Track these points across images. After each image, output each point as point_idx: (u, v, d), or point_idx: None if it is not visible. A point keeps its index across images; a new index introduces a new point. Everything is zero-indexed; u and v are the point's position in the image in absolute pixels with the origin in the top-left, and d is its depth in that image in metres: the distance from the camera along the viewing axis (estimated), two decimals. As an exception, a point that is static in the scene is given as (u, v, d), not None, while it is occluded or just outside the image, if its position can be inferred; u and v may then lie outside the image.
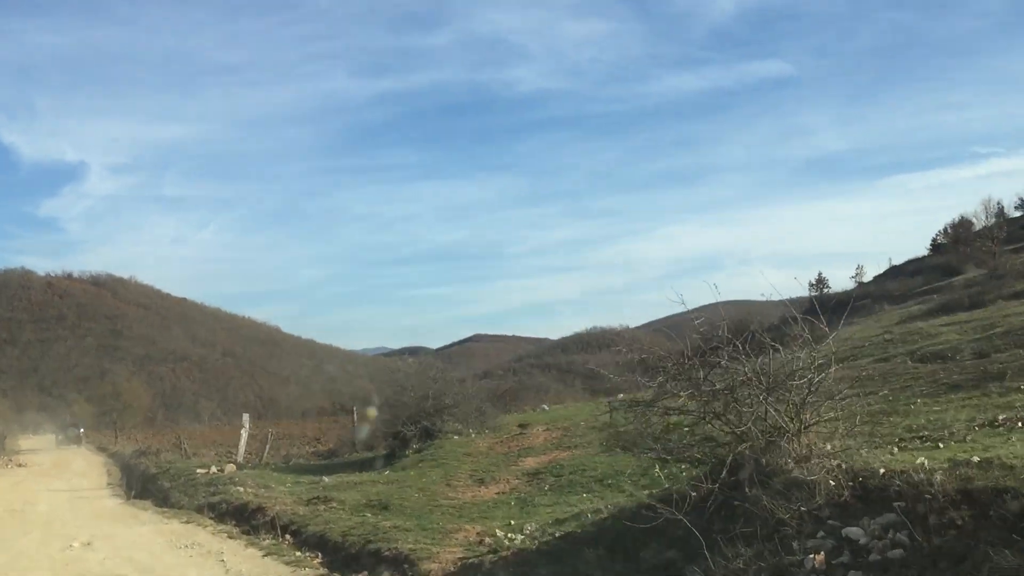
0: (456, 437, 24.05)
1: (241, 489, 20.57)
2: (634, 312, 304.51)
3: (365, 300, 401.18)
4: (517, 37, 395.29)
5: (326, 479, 21.35)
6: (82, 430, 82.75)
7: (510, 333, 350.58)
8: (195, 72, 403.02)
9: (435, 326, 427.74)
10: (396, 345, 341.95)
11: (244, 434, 25.75)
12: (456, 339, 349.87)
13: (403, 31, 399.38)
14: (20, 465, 46.87)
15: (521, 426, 25.39)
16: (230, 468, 23.78)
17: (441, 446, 22.98)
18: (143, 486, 28.23)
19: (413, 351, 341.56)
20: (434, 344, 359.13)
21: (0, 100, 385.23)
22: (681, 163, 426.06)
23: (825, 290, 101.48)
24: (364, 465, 24.62)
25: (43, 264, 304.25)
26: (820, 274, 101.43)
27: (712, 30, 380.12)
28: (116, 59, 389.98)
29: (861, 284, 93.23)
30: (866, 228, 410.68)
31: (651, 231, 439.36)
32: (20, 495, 28.72)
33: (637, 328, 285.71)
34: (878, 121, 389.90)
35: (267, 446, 26.97)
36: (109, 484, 32.43)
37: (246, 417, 26.75)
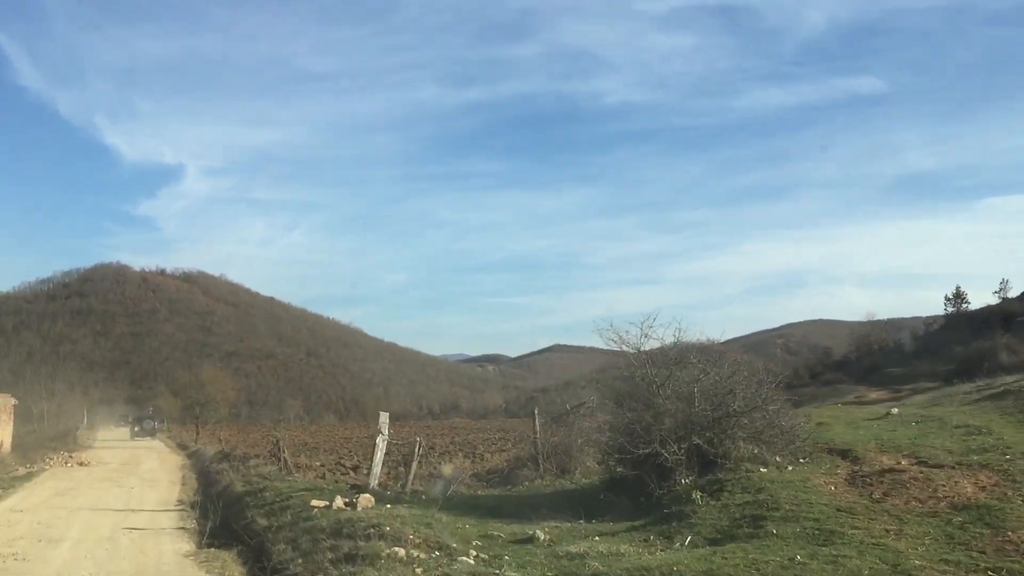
0: (763, 469, 13.49)
1: (402, 553, 10.35)
2: (714, 327, 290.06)
3: (444, 306, 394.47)
4: (603, 49, 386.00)
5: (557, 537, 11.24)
6: (156, 423, 77.08)
7: (589, 345, 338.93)
8: (289, 79, 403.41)
9: (513, 335, 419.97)
10: (474, 352, 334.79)
11: (382, 444, 15.45)
12: (535, 349, 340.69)
13: (490, 42, 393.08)
14: (82, 464, 37.73)
15: (841, 453, 14.73)
16: (365, 500, 13.49)
17: (748, 485, 12.44)
18: (226, 513, 18.26)
19: (491, 359, 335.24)
20: (512, 353, 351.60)
21: (105, 103, 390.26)
22: (766, 178, 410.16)
23: (964, 306, 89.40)
24: (586, 504, 14.25)
25: (138, 261, 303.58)
26: (959, 288, 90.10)
27: (802, 45, 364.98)
28: (214, 65, 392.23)
29: (1006, 300, 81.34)
30: (959, 249, 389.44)
31: (733, 246, 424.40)
32: (50, 517, 19.10)
33: (722, 344, 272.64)
34: (973, 140, 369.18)
35: (414, 463, 16.57)
36: (179, 505, 22.62)
37: (384, 419, 16.43)
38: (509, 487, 17.98)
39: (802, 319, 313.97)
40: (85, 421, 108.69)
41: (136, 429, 73.08)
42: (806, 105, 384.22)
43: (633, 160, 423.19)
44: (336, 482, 19.38)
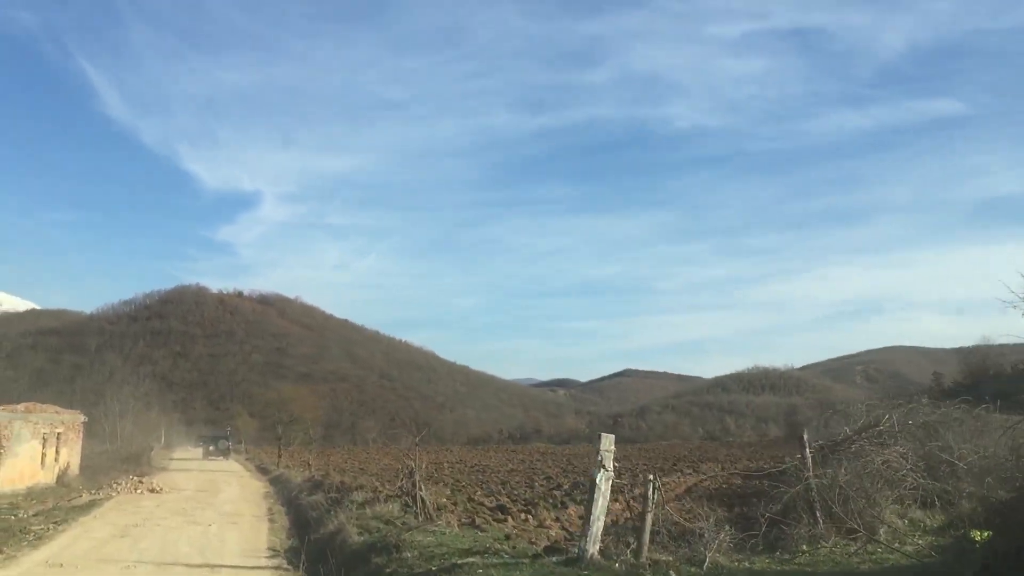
0: None
1: None
2: (788, 354, 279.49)
3: (514, 330, 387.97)
4: (674, 74, 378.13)
5: None
6: (230, 443, 72.79)
7: (660, 369, 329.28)
8: (362, 107, 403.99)
9: (583, 360, 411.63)
10: (543, 377, 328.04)
11: (605, 486, 8.83)
12: (605, 373, 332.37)
13: (561, 68, 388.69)
14: (153, 491, 31.99)
15: None
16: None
17: None
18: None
19: (562, 383, 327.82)
20: (583, 377, 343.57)
21: (188, 131, 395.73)
22: (841, 203, 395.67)
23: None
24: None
25: (216, 284, 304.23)
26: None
27: (879, 68, 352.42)
28: (290, 94, 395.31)
29: None
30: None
31: (807, 271, 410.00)
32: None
33: (800, 370, 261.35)
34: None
35: (649, 515, 9.94)
36: (271, 554, 16.37)
37: (608, 444, 9.67)
38: (781, 553, 11.31)
39: (881, 346, 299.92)
40: (163, 441, 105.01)
41: (211, 449, 69.08)
42: (883, 128, 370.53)
43: (704, 185, 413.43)
44: (507, 538, 12.92)
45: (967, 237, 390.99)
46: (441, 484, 32.09)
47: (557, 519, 18.84)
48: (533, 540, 14.09)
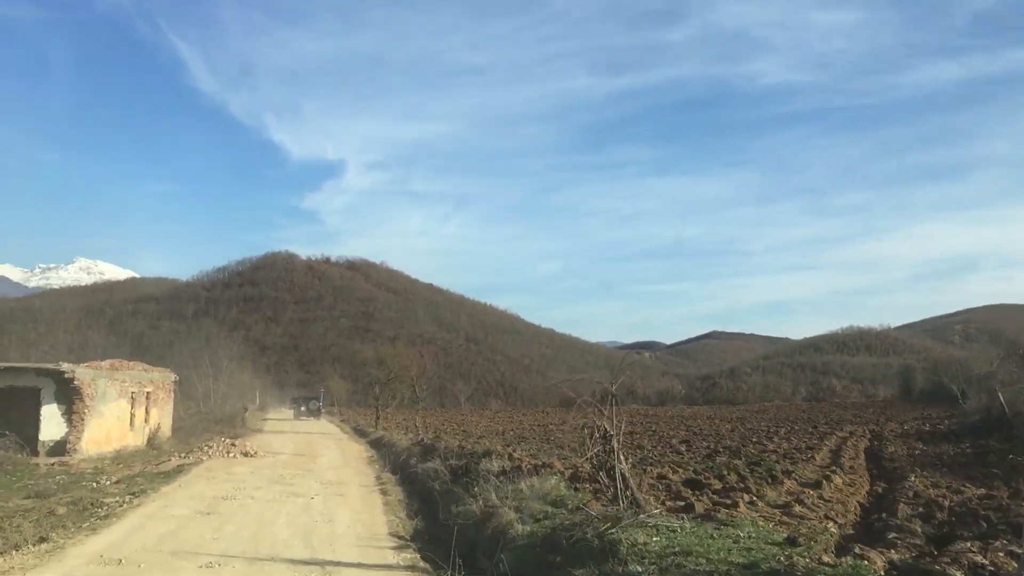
0: None
1: None
2: (880, 314, 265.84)
3: (596, 294, 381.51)
4: (760, 30, 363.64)
5: None
6: (320, 404, 72.46)
7: (747, 331, 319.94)
8: (443, 73, 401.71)
9: (667, 322, 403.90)
10: (627, 340, 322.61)
11: None
12: (691, 335, 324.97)
13: (641, 28, 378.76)
14: (247, 454, 28.39)
15: None
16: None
17: None
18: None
19: (646, 346, 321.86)
20: (667, 340, 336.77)
21: (273, 103, 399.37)
22: (935, 158, 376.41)
23: None
24: None
25: (305, 251, 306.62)
26: None
27: (976, 15, 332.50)
28: (372, 63, 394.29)
29: None
30: None
31: (898, 230, 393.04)
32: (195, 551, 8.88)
33: (895, 329, 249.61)
34: None
35: None
36: (396, 543, 12.07)
37: None
38: None
39: (979, 304, 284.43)
40: (257, 403, 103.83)
41: (302, 410, 67.66)
42: (981, 79, 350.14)
43: (790, 144, 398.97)
44: (791, 543, 8.13)
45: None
46: (561, 447, 27.58)
47: (798, 500, 14.14)
48: (808, 537, 9.42)
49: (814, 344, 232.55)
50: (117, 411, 32.48)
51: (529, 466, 15.58)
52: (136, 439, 34.29)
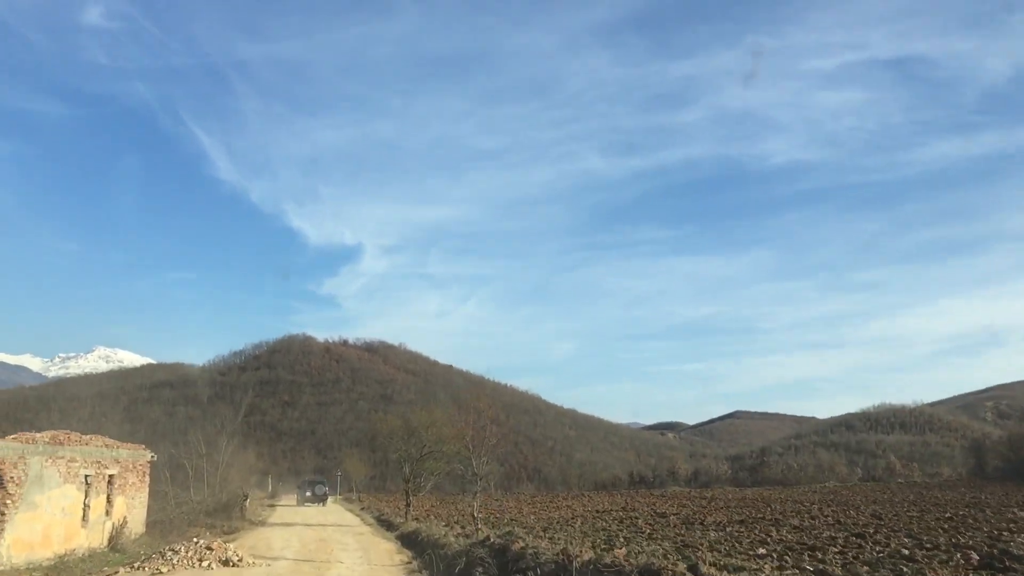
0: None
1: None
2: (905, 391, 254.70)
3: (616, 375, 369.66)
4: (769, 110, 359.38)
5: None
6: (327, 488, 68.79)
7: (771, 410, 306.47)
8: (458, 158, 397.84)
9: (688, 403, 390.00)
10: (648, 421, 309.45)
11: None
12: (713, 416, 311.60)
13: (653, 110, 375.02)
14: (228, 563, 19.00)
15: None
16: None
17: None
18: None
19: (669, 426, 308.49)
20: (690, 420, 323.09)
21: (293, 190, 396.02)
22: (952, 233, 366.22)
23: None
24: None
25: (322, 334, 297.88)
26: None
27: (984, 93, 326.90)
28: (388, 149, 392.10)
29: None
30: None
31: (919, 305, 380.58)
32: None
33: (928, 405, 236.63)
34: None
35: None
36: None
37: None
38: None
39: (1010, 380, 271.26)
40: (270, 489, 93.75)
41: (307, 495, 64.09)
42: (993, 155, 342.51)
43: (805, 221, 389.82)
44: None
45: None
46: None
47: None
48: None
49: (845, 422, 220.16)
50: (62, 501, 23.23)
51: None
52: (92, 539, 24.95)
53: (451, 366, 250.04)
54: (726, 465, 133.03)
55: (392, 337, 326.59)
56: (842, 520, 34.30)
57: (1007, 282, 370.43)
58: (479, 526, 21.37)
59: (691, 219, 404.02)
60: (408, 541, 26.16)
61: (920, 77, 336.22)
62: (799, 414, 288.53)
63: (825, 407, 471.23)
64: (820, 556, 20.05)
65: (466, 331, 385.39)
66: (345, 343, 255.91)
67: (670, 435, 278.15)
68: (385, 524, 36.28)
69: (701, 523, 34.15)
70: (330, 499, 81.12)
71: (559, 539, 21.65)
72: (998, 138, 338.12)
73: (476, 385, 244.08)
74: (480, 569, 15.27)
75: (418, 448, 35.29)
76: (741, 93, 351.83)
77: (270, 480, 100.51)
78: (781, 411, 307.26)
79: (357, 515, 47.54)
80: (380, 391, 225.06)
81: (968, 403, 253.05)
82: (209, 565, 18.57)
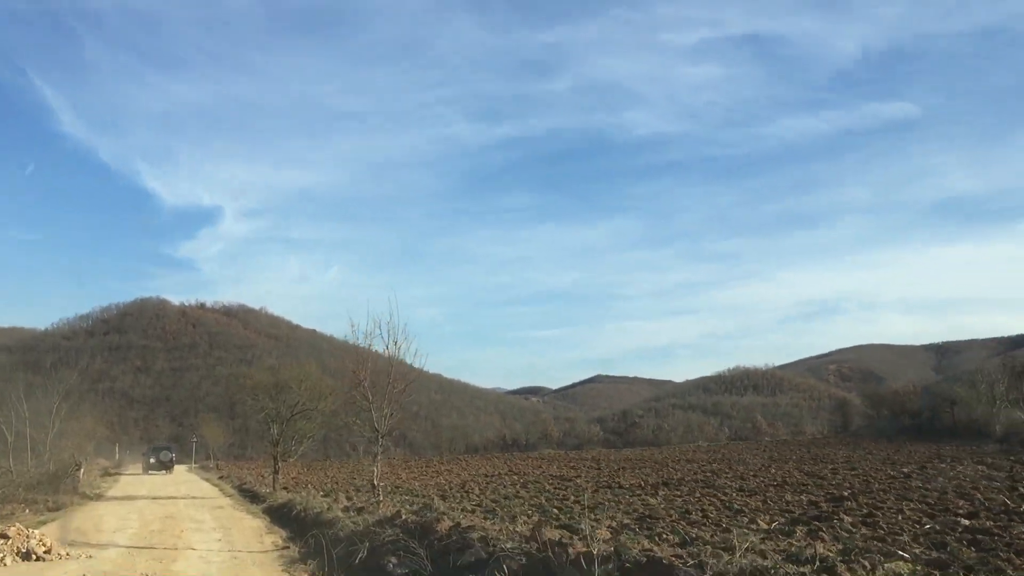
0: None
1: None
2: (755, 355, 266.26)
3: (480, 340, 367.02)
4: (633, 82, 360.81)
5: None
6: (174, 454, 64.33)
7: (630, 375, 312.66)
8: (321, 119, 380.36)
9: (551, 367, 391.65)
10: (511, 386, 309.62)
11: None
12: (576, 380, 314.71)
13: (520, 78, 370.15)
14: (30, 556, 13.52)
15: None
16: None
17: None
18: None
19: (533, 391, 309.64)
20: (553, 385, 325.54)
21: (145, 149, 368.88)
22: (801, 206, 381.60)
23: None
24: None
25: (177, 297, 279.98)
26: None
27: (834, 72, 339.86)
28: (249, 108, 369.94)
29: None
30: (1003, 273, 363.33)
31: (770, 274, 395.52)
32: None
33: (777, 368, 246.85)
34: (1013, 162, 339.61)
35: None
36: None
37: None
38: None
39: (849, 344, 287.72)
40: (117, 457, 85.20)
41: (151, 462, 60.55)
42: (839, 132, 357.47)
43: (666, 191, 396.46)
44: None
45: (924, 237, 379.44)
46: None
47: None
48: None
49: (702, 385, 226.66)
50: None
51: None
52: None
53: (315, 330, 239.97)
54: (598, 427, 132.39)
55: (254, 301, 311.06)
56: (798, 481, 31.54)
57: (848, 254, 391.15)
58: (380, 497, 16.67)
59: (556, 187, 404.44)
60: (279, 517, 21.13)
61: (773, 55, 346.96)
62: (656, 378, 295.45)
63: (681, 371, 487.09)
64: (854, 524, 16.48)
65: (329, 296, 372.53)
66: (202, 306, 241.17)
67: (534, 399, 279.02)
68: (248, 495, 30.79)
69: (619, 486, 30.53)
70: (184, 467, 74.07)
71: (496, 514, 17.33)
72: (843, 116, 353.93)
73: (341, 350, 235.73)
74: (394, 560, 10.64)
75: (289, 406, 29.97)
76: (606, 63, 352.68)
77: (117, 449, 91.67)
78: (640, 375, 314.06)
79: (215, 484, 41.59)
80: (240, 356, 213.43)
81: (812, 366, 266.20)
82: (2, 560, 13.06)
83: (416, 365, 16.22)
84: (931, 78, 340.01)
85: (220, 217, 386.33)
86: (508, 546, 8.44)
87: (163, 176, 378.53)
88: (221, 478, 47.43)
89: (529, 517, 16.35)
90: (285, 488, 30.80)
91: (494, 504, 22.59)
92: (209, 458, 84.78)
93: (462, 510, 18.86)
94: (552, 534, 8.50)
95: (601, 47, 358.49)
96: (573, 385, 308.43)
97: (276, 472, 30.65)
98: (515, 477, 40.91)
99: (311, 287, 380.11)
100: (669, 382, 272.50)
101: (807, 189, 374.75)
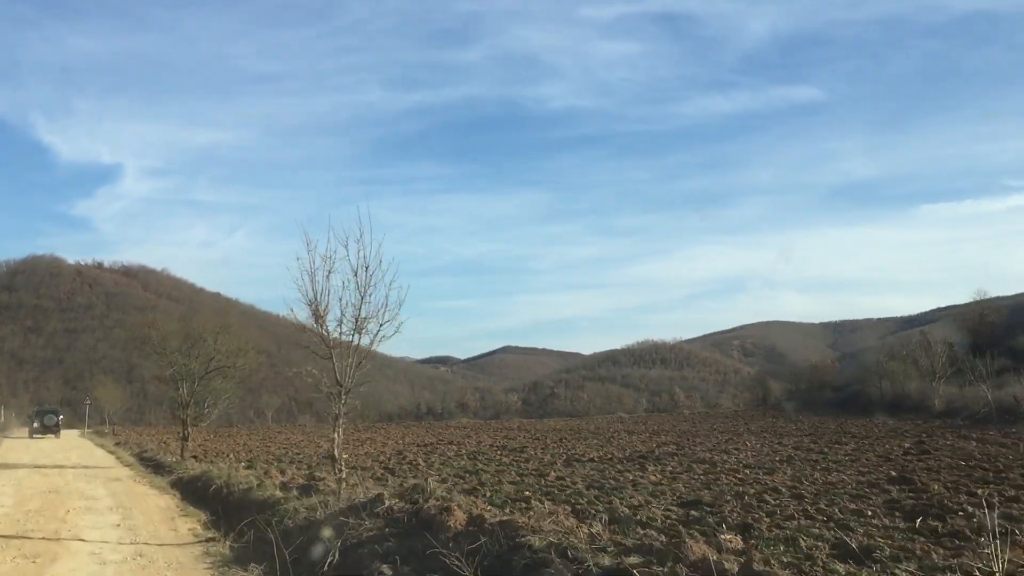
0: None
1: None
2: (659, 331, 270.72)
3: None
4: (549, 55, 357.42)
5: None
6: (60, 417, 62.43)
7: (539, 346, 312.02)
8: (231, 80, 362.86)
9: (459, 338, 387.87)
10: (421, 355, 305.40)
11: None
12: (484, 351, 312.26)
13: (436, 46, 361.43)
14: None
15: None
16: None
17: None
18: None
19: (442, 360, 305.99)
20: (461, 355, 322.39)
21: (40, 101, 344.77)
22: (708, 184, 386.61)
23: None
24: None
25: (73, 256, 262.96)
26: None
27: (744, 54, 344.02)
28: (154, 65, 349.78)
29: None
30: (897, 256, 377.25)
31: (676, 251, 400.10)
32: None
33: (685, 343, 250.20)
34: (910, 149, 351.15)
35: None
36: None
37: None
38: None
39: (752, 321, 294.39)
40: (2, 420, 78.79)
41: (35, 425, 58.38)
42: (748, 113, 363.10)
43: (579, 165, 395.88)
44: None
45: (824, 219, 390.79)
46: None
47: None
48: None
49: (611, 358, 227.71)
50: None
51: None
52: None
53: (219, 293, 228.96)
54: (515, 396, 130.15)
55: (155, 264, 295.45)
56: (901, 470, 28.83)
57: (753, 232, 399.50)
58: (343, 474, 12.74)
59: (469, 158, 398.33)
60: (193, 493, 17.08)
61: (687, 34, 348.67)
62: (564, 350, 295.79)
63: (588, 344, 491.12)
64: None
65: (235, 262, 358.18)
66: (100, 266, 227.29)
67: (443, 368, 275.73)
68: (151, 465, 26.29)
69: (581, 460, 27.29)
70: (76, 432, 68.10)
71: (481, 494, 13.77)
72: (752, 97, 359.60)
73: (247, 315, 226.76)
74: (387, 570, 7.05)
75: (203, 362, 25.63)
76: (523, 34, 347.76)
77: (1, 411, 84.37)
78: (547, 347, 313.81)
79: (111, 452, 36.69)
80: (140, 318, 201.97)
81: (717, 341, 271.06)
82: None
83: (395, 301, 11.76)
84: (837, 64, 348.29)
85: (121, 175, 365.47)
86: (609, 563, 4.93)
87: (60, 131, 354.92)
88: (118, 444, 42.29)
89: (561, 507, 12.76)
90: (195, 457, 26.48)
91: (480, 485, 18.65)
92: (104, 423, 78.43)
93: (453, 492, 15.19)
94: (698, 549, 5.14)
95: (519, 17, 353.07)
96: (482, 356, 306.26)
97: (185, 439, 26.25)
98: (453, 447, 37.40)
99: (216, 251, 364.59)
100: (576, 354, 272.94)
101: (715, 169, 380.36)
